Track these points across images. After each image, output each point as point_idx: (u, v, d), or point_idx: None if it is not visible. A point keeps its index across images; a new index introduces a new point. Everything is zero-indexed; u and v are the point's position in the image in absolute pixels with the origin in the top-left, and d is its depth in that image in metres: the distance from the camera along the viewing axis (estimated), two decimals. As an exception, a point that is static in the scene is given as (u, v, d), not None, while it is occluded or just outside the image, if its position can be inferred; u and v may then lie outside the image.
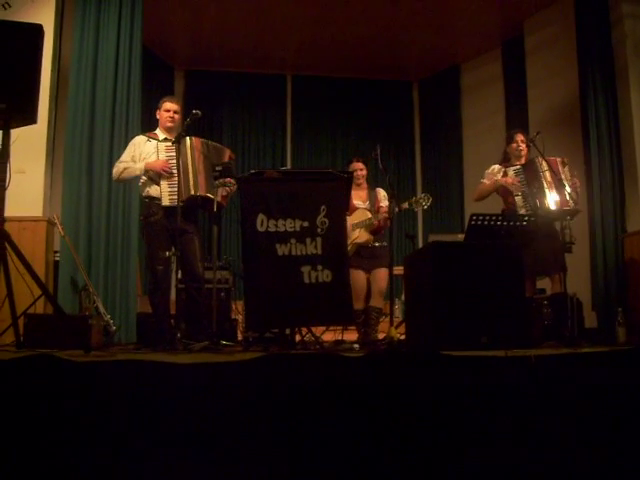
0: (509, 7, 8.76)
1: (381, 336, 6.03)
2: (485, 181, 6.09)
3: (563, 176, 5.75)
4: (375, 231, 6.13)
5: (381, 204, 6.24)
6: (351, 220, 6.05)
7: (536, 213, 5.58)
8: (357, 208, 6.17)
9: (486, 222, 4.77)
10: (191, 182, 5.16)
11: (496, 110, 9.99)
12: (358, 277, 6.01)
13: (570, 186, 5.71)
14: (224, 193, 5.27)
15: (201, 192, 5.15)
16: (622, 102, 7.06)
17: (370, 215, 6.11)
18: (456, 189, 10.53)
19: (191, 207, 5.31)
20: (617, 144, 7.02)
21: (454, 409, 3.06)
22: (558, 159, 5.85)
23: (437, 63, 10.69)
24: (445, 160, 10.90)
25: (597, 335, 6.18)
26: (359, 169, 6.28)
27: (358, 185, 6.25)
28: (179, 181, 5.04)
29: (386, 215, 6.00)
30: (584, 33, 7.29)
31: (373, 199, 6.29)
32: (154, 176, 5.29)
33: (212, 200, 5.11)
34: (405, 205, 6.07)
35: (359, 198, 6.23)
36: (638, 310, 6.38)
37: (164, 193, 5.22)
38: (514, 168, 5.94)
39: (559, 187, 5.63)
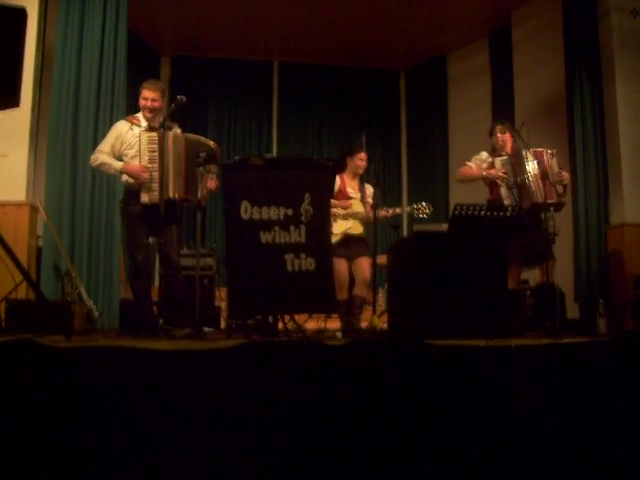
0: (497, -2, 8.78)
1: (364, 325, 6.05)
2: (471, 165, 5.97)
3: (549, 168, 5.74)
4: (364, 223, 6.17)
5: (367, 199, 6.26)
6: (351, 207, 6.08)
7: (520, 204, 5.58)
8: (350, 197, 6.17)
9: (469, 212, 4.78)
10: (171, 184, 4.99)
11: (482, 100, 9.99)
12: (341, 266, 6.00)
13: (556, 178, 5.71)
14: (209, 186, 5.22)
15: (179, 195, 5.02)
16: (607, 94, 7.09)
17: (363, 210, 6.12)
18: (441, 179, 10.52)
19: (169, 206, 5.11)
20: (602, 136, 7.05)
21: (436, 397, 3.07)
22: (547, 150, 5.84)
23: (424, 52, 10.67)
24: (431, 150, 10.89)
25: (579, 326, 6.23)
26: (364, 159, 6.29)
27: (355, 174, 6.27)
28: (159, 177, 4.93)
29: (386, 214, 6.08)
30: (571, 25, 7.30)
31: (363, 192, 6.30)
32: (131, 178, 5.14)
33: (190, 200, 5.07)
34: (407, 210, 6.14)
35: (352, 187, 6.25)
36: (619, 301, 6.42)
37: (143, 191, 5.03)
38: (501, 158, 5.88)
39: (544, 178, 5.62)
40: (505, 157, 5.87)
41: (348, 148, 6.58)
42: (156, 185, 4.96)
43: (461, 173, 6.12)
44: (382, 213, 6.14)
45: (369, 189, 6.36)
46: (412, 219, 6.21)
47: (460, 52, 10.52)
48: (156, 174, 4.98)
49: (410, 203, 10.29)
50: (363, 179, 6.43)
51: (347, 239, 6.05)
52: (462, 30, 9.85)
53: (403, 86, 11.52)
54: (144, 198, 5.02)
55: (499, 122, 6.19)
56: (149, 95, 5.25)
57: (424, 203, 6.15)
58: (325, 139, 11.01)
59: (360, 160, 6.24)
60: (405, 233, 10.12)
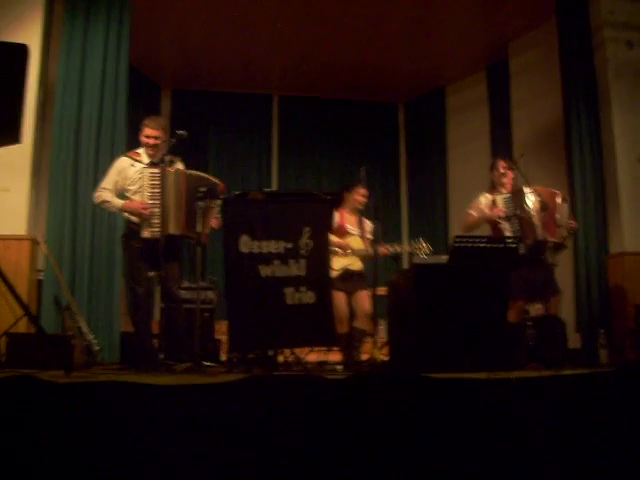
0: (494, 30, 8.85)
1: (365, 357, 6.04)
2: (472, 213, 5.87)
3: (558, 212, 5.68)
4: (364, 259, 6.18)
5: (368, 235, 6.28)
6: (349, 245, 6.08)
7: (522, 239, 5.51)
8: (349, 233, 6.18)
9: (469, 244, 4.78)
10: (171, 220, 5.04)
11: (481, 132, 10.04)
12: (340, 300, 6.00)
13: (564, 223, 5.68)
14: (212, 224, 5.22)
15: (180, 231, 5.06)
16: (605, 125, 7.12)
17: (364, 246, 6.15)
18: (441, 210, 10.54)
19: (170, 241, 5.15)
20: (600, 166, 7.08)
21: (437, 431, 3.06)
22: (557, 193, 5.79)
23: (422, 85, 10.73)
24: (430, 181, 10.90)
25: (580, 356, 6.21)
26: (364, 195, 6.29)
27: (353, 209, 6.29)
28: (161, 212, 4.98)
29: (385, 252, 6.07)
30: (567, 57, 7.36)
31: (362, 228, 6.30)
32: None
33: (191, 237, 5.08)
34: (407, 248, 6.16)
35: (351, 223, 6.25)
36: (621, 331, 6.40)
37: (143, 227, 5.08)
38: (504, 197, 5.76)
39: (544, 210, 5.58)
40: (507, 195, 5.77)
41: (346, 183, 6.58)
42: (157, 221, 5.00)
43: (464, 223, 5.98)
44: (382, 250, 6.12)
45: (368, 225, 6.35)
46: (413, 251, 6.18)
47: (458, 84, 10.57)
48: (157, 210, 5.03)
49: (410, 238, 10.34)
50: (362, 214, 6.43)
51: (346, 274, 6.05)
52: (460, 62, 9.94)
53: (402, 119, 11.57)
54: (145, 234, 5.06)
55: (501, 157, 6.13)
56: (151, 133, 5.29)
57: (423, 242, 6.15)
58: (325, 172, 11.03)
59: (359, 195, 6.24)
60: (405, 264, 10.12)
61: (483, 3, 8.15)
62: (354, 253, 6.09)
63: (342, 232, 6.14)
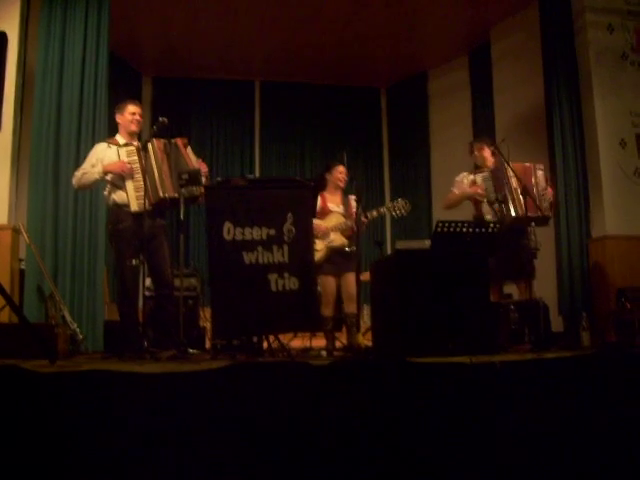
0: (476, 15, 8.84)
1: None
2: (455, 190, 6.12)
3: (534, 183, 5.79)
4: (349, 235, 6.14)
5: (354, 211, 6.26)
6: (326, 223, 6.07)
7: (501, 219, 5.64)
8: (331, 211, 6.18)
9: (452, 229, 4.80)
10: (158, 185, 5.14)
11: (463, 116, 10.07)
12: (329, 283, 6.03)
13: (542, 193, 5.77)
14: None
15: (169, 193, 5.13)
16: (586, 108, 7.16)
17: (345, 219, 6.11)
18: (424, 195, 10.57)
19: (160, 209, 5.31)
20: (581, 150, 7.12)
21: (420, 416, 3.08)
22: (535, 165, 5.90)
23: (405, 70, 10.74)
24: (413, 166, 10.94)
25: (563, 339, 6.25)
26: (343, 172, 6.30)
27: (336, 188, 6.27)
28: (145, 185, 5.04)
29: (364, 220, 6.04)
30: (549, 41, 7.38)
31: (347, 205, 6.30)
32: (116, 180, 5.24)
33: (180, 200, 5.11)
34: (382, 210, 6.11)
35: (333, 202, 6.25)
36: (602, 314, 6.46)
37: (132, 199, 5.17)
38: (482, 175, 5.97)
39: (524, 193, 5.65)
40: (485, 173, 5.94)
41: (326, 165, 6.59)
42: (141, 194, 5.06)
43: (447, 200, 6.22)
44: (362, 220, 6.12)
45: (353, 201, 6.34)
46: (389, 212, 6.11)
47: (440, 69, 10.58)
48: (140, 183, 5.11)
49: (392, 223, 10.37)
50: (346, 192, 6.43)
51: (332, 253, 6.04)
52: (442, 47, 9.95)
53: (384, 103, 11.58)
54: (134, 207, 5.14)
55: (476, 140, 6.26)
56: (136, 110, 5.47)
57: (401, 200, 6.11)
58: (307, 157, 11.03)
59: (339, 173, 6.26)
60: (389, 250, 10.15)
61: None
62: (335, 229, 6.07)
63: (325, 213, 6.14)
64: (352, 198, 6.35)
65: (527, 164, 5.88)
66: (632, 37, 7.26)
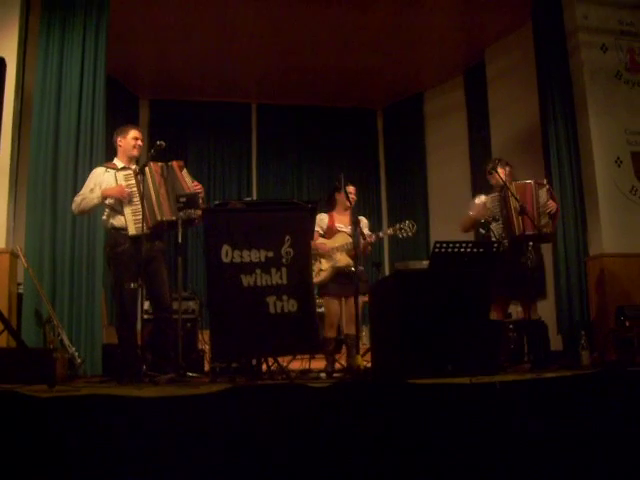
0: (470, 35, 8.93)
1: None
2: (469, 212, 6.13)
3: (535, 200, 5.79)
4: (354, 256, 6.11)
5: (365, 231, 6.23)
6: (332, 243, 6.06)
7: (502, 239, 5.65)
8: (339, 231, 6.16)
9: (450, 249, 4.80)
10: (156, 208, 5.14)
11: (459, 136, 10.12)
12: (333, 305, 6.02)
13: (542, 209, 5.77)
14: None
15: (167, 217, 5.14)
16: (581, 127, 7.18)
17: (351, 240, 6.07)
18: (421, 215, 10.57)
19: (158, 232, 5.31)
20: (577, 169, 7.13)
21: (421, 437, 3.07)
22: (535, 182, 5.89)
23: (401, 91, 10.80)
24: (410, 186, 10.96)
25: (562, 358, 6.24)
26: (353, 193, 6.26)
27: (346, 208, 6.25)
28: (143, 209, 5.05)
29: (369, 240, 6.02)
30: (543, 61, 7.42)
31: (356, 225, 6.27)
32: (115, 205, 5.25)
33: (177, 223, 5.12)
34: (389, 231, 6.09)
35: (342, 222, 6.22)
36: (601, 333, 6.45)
37: (129, 223, 5.16)
38: (491, 196, 5.98)
39: (523, 213, 5.66)
40: (495, 194, 5.95)
41: (334, 186, 6.49)
42: (139, 217, 5.07)
43: (460, 223, 6.24)
44: (368, 240, 6.09)
45: (363, 221, 6.28)
46: (395, 234, 6.08)
47: (436, 89, 10.66)
48: (138, 207, 5.12)
49: (391, 243, 10.35)
50: (355, 213, 6.38)
51: (337, 273, 6.02)
52: (437, 68, 10.02)
53: (381, 125, 11.63)
54: (131, 231, 5.13)
55: (496, 159, 6.25)
56: (139, 135, 5.51)
57: (407, 222, 6.05)
58: (304, 179, 11.07)
59: (349, 193, 6.21)
60: (387, 271, 10.15)
61: (459, 9, 8.20)
62: (340, 249, 6.06)
63: (333, 233, 6.14)
64: (363, 219, 6.31)
65: (528, 181, 5.89)
66: (626, 56, 7.31)
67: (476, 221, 6.10)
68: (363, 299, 6.09)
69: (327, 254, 6.02)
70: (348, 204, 6.17)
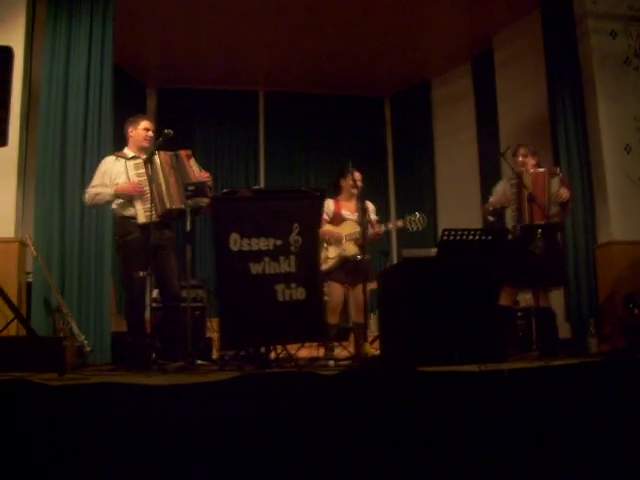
0: (478, 22, 8.86)
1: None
2: (490, 198, 6.16)
3: (546, 189, 5.77)
4: (362, 244, 6.10)
5: (371, 217, 6.20)
6: (341, 231, 6.05)
7: (520, 225, 5.64)
8: (345, 219, 6.14)
9: (458, 237, 4.80)
10: (165, 196, 5.17)
11: (467, 124, 10.07)
12: (336, 291, 6.02)
13: (554, 198, 5.74)
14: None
15: (176, 205, 5.16)
16: (590, 115, 7.15)
17: (359, 229, 6.05)
18: (429, 203, 10.53)
19: (167, 220, 5.34)
20: (586, 156, 7.10)
21: (429, 425, 3.08)
22: (548, 170, 5.88)
23: (408, 78, 10.74)
24: (417, 174, 10.91)
25: (571, 346, 6.24)
26: (358, 179, 6.21)
27: (351, 195, 6.22)
28: (153, 197, 5.08)
29: (378, 231, 6.01)
30: (552, 47, 7.38)
31: (362, 211, 6.25)
32: (126, 199, 5.28)
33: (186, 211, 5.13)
34: (399, 223, 6.07)
35: (348, 209, 6.20)
36: (609, 320, 6.44)
37: (139, 211, 5.19)
38: (511, 182, 5.95)
39: (532, 201, 5.65)
40: (513, 180, 5.90)
41: (340, 170, 6.46)
42: (149, 206, 5.10)
43: (483, 210, 6.23)
44: (375, 230, 6.08)
45: (370, 206, 6.24)
46: (405, 225, 6.06)
47: (443, 77, 10.58)
48: (148, 196, 5.14)
49: (398, 232, 10.32)
50: (362, 198, 6.36)
51: (344, 262, 6.02)
52: (445, 55, 9.96)
53: (388, 112, 11.57)
54: (141, 219, 5.17)
55: (521, 144, 6.21)
56: (151, 126, 5.55)
57: (417, 214, 6.03)
58: (312, 167, 11.03)
59: (353, 180, 6.17)
60: (395, 259, 10.14)
61: (467, -4, 8.17)
62: (348, 237, 6.06)
63: (339, 220, 6.13)
64: (369, 204, 6.25)
65: (541, 169, 5.87)
66: (635, 42, 7.26)
67: (495, 208, 6.09)
68: (370, 286, 6.09)
69: (337, 242, 6.01)
70: (354, 191, 6.15)
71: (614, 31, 7.22)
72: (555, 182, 5.83)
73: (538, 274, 5.58)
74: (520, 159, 5.97)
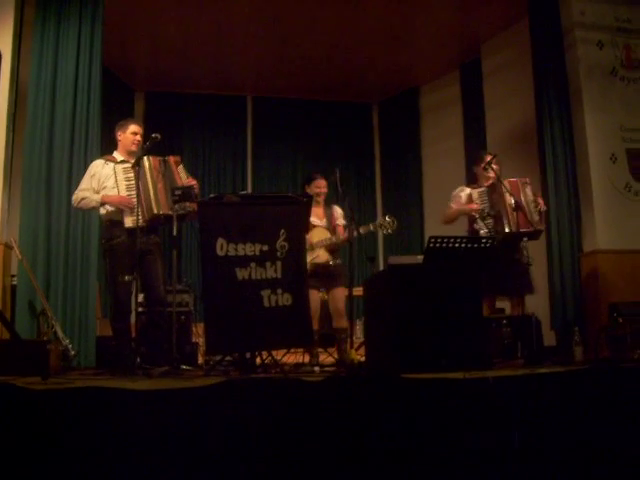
0: (467, 30, 8.93)
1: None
2: (452, 205, 6.16)
3: (523, 197, 5.85)
4: (333, 250, 6.13)
5: (337, 222, 6.25)
6: (310, 239, 6.05)
7: (495, 235, 5.67)
8: (314, 226, 6.14)
9: (444, 244, 4.81)
10: (153, 201, 5.18)
11: (455, 131, 10.12)
12: (312, 297, 6.01)
13: (532, 206, 5.82)
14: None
15: (163, 210, 5.17)
16: (576, 123, 7.20)
17: (329, 235, 6.10)
18: (416, 209, 10.59)
19: (154, 225, 5.34)
20: (572, 164, 7.14)
21: (415, 431, 3.08)
22: (520, 180, 5.96)
23: (396, 85, 10.79)
24: (405, 181, 10.96)
25: (556, 354, 6.26)
26: (322, 186, 6.25)
27: (317, 203, 6.22)
28: (140, 202, 5.05)
29: (345, 236, 6.00)
30: (539, 57, 7.43)
31: (330, 217, 6.28)
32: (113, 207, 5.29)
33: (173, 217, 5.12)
34: (370, 227, 6.07)
35: (316, 215, 6.19)
36: (594, 329, 6.47)
37: (126, 216, 5.19)
38: (479, 190, 6.03)
39: (518, 209, 5.72)
40: (482, 189, 5.99)
41: (306, 178, 6.54)
42: (137, 210, 5.06)
43: (445, 215, 6.24)
44: (345, 235, 6.07)
45: (337, 211, 6.32)
46: (375, 230, 6.08)
47: (432, 84, 10.64)
48: (135, 200, 5.10)
49: (384, 239, 10.35)
50: (329, 203, 6.40)
51: (315, 269, 6.02)
52: (433, 62, 10.01)
53: (376, 119, 11.63)
54: (127, 223, 5.18)
55: (488, 152, 6.27)
56: (138, 130, 5.54)
57: (388, 218, 6.05)
58: (299, 173, 11.01)
59: (317, 187, 6.21)
60: (381, 265, 10.15)
61: (456, 4, 8.19)
62: (318, 244, 6.07)
63: (307, 228, 6.13)
64: (336, 209, 6.34)
65: (513, 179, 5.94)
66: (622, 53, 7.33)
67: (459, 214, 6.15)
68: (345, 292, 6.09)
69: (308, 248, 6.02)
70: (318, 198, 6.18)
71: (601, 41, 7.28)
72: (529, 190, 5.92)
73: (518, 281, 5.64)
74: (495, 167, 6.01)
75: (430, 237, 4.86)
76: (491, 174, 5.99)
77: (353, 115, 11.43)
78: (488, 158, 6.07)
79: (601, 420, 3.34)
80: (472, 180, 6.31)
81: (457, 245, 4.83)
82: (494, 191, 5.95)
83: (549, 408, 3.33)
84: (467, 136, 9.94)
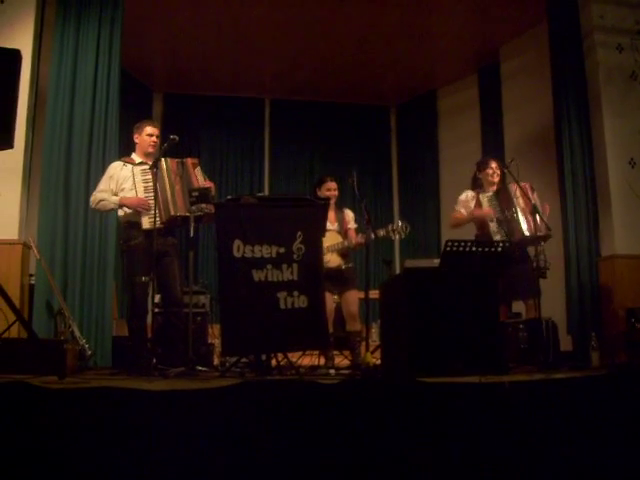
0: (485, 33, 8.90)
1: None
2: (461, 210, 6.15)
3: (535, 201, 5.84)
4: (344, 254, 6.12)
5: (349, 226, 6.24)
6: (324, 242, 6.03)
7: (510, 239, 5.64)
8: (326, 230, 6.14)
9: (461, 248, 4.80)
10: (170, 203, 5.22)
11: (472, 134, 10.08)
12: (327, 301, 6.00)
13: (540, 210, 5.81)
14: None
15: (181, 212, 5.20)
16: (595, 128, 7.15)
17: (341, 239, 6.08)
18: (433, 213, 10.58)
19: (171, 227, 5.36)
20: (591, 169, 7.10)
21: (430, 435, 3.07)
22: (527, 184, 5.95)
23: (414, 88, 10.78)
24: (422, 184, 10.95)
25: (572, 359, 6.23)
26: (333, 189, 6.24)
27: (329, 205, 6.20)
28: (157, 203, 5.07)
29: (361, 241, 5.99)
30: (558, 60, 7.39)
31: (341, 220, 6.26)
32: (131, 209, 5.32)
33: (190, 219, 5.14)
34: (382, 232, 6.04)
35: (328, 219, 6.19)
36: (611, 334, 6.43)
37: (144, 217, 5.22)
38: (487, 196, 6.00)
39: (533, 213, 5.71)
40: (490, 193, 5.97)
41: (318, 181, 6.53)
42: (153, 212, 5.08)
43: (453, 220, 6.27)
44: (357, 240, 6.07)
45: (348, 214, 6.33)
46: (388, 234, 6.06)
47: (450, 87, 10.63)
48: (152, 202, 5.12)
49: (402, 242, 10.32)
50: (340, 206, 6.39)
51: (328, 273, 5.98)
52: (451, 66, 9.99)
53: (394, 122, 11.62)
54: (145, 224, 5.21)
55: (492, 157, 6.28)
56: (154, 131, 5.57)
57: (400, 222, 6.04)
58: (317, 175, 10.94)
59: (327, 190, 6.20)
60: (397, 269, 10.14)
61: (474, 7, 8.17)
62: (331, 249, 6.03)
63: (324, 230, 6.11)
64: (348, 213, 6.33)
65: (523, 183, 5.92)
66: (641, 57, 7.29)
67: (470, 220, 6.16)
68: (358, 295, 6.08)
69: None
70: (329, 201, 6.13)
71: (621, 45, 7.22)
72: (536, 196, 5.92)
73: (531, 285, 5.62)
74: (491, 172, 6.03)
75: (447, 241, 4.85)
76: (496, 179, 6.00)
77: (371, 118, 11.43)
78: (493, 164, 6.08)
79: (619, 427, 3.32)
80: (476, 185, 6.28)
81: (474, 249, 4.82)
82: (505, 196, 5.93)
83: (566, 413, 3.31)
84: (485, 140, 9.90)
